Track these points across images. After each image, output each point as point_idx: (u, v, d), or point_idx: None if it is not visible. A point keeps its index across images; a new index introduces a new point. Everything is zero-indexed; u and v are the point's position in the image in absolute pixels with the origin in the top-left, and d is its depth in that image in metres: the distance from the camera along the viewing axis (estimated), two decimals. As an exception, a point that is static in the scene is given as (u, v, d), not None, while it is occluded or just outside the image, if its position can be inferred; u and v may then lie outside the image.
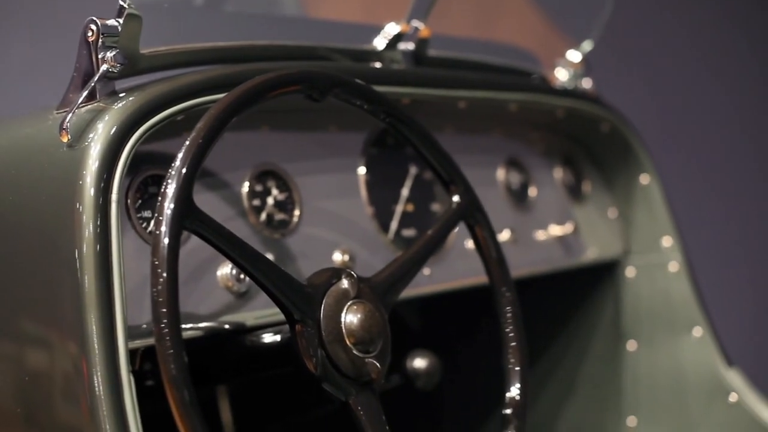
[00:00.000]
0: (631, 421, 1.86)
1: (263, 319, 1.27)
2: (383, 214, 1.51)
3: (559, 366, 1.95)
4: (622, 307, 1.88)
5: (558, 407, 1.95)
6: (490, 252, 1.33)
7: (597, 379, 1.91)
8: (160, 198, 1.02)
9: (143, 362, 1.27)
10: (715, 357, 1.76)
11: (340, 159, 1.48)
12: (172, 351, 0.97)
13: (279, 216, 1.36)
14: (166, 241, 1.00)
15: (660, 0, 3.14)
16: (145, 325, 1.15)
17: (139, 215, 1.21)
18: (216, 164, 1.31)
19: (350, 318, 1.15)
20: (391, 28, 1.55)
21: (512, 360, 1.29)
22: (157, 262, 0.99)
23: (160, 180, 1.22)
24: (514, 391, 1.27)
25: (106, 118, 1.12)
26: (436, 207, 1.59)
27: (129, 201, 1.20)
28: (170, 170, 1.04)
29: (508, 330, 1.30)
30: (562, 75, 1.85)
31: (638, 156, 1.83)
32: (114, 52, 1.15)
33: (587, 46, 1.84)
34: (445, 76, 1.58)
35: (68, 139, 1.11)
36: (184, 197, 1.03)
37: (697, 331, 1.79)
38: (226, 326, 1.25)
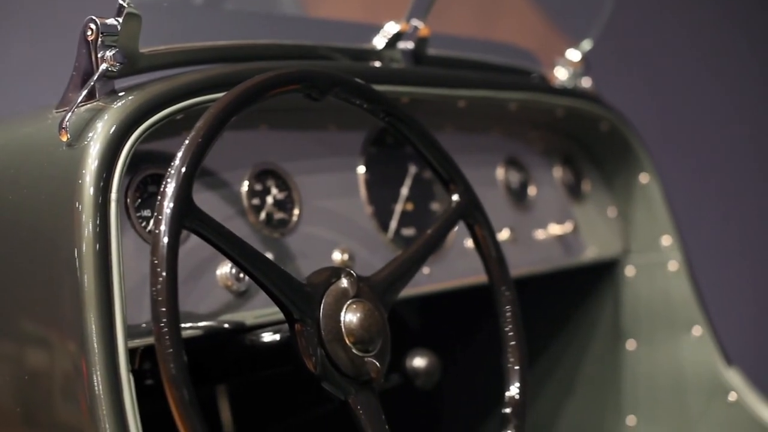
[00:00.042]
0: (631, 420, 1.86)
1: (263, 318, 1.27)
2: (383, 213, 1.51)
3: (559, 365, 1.95)
4: (621, 306, 1.88)
5: (557, 406, 1.95)
6: (489, 251, 1.33)
7: (596, 379, 1.91)
8: (159, 197, 1.02)
9: (143, 361, 1.27)
10: (714, 356, 1.76)
11: (339, 158, 1.48)
12: (171, 350, 0.97)
13: (278, 215, 1.36)
14: (165, 240, 1.00)
15: (660, 0, 3.14)
16: (144, 325, 1.15)
17: (138, 214, 1.21)
18: (215, 163, 1.31)
19: (350, 317, 1.15)
20: (391, 27, 1.55)
21: (512, 359, 1.29)
22: (156, 261, 0.99)
23: (159, 179, 1.22)
24: (513, 390, 1.27)
25: (106, 117, 1.12)
26: (435, 206, 1.59)
27: (128, 200, 1.20)
28: (170, 169, 1.04)
29: (507, 329, 1.31)
30: (561, 74, 1.85)
31: (638, 155, 1.83)
32: (113, 51, 1.15)
33: (587, 45, 1.84)
34: (445, 75, 1.58)
35: (67, 138, 1.11)
36: (183, 196, 1.03)
37: (697, 331, 1.79)
38: (226, 325, 1.25)
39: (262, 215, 1.35)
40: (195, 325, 1.22)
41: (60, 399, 1.10)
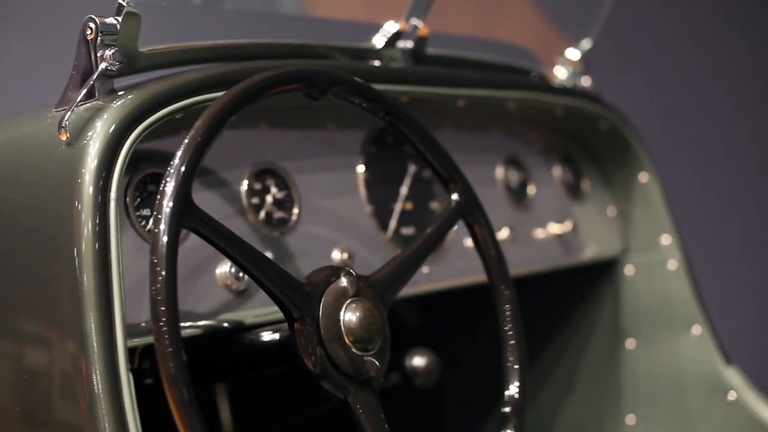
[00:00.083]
0: (630, 419, 1.86)
1: (262, 317, 1.27)
2: (382, 212, 1.51)
3: (558, 364, 1.95)
4: (621, 305, 1.88)
5: (557, 405, 1.95)
6: (489, 250, 1.33)
7: (596, 378, 1.91)
8: (159, 196, 1.02)
9: (142, 360, 1.27)
10: (714, 355, 1.76)
11: (339, 157, 1.48)
12: (170, 349, 0.97)
13: (278, 214, 1.36)
14: (165, 239, 1.00)
15: (660, 0, 3.14)
16: (143, 324, 1.15)
17: (138, 213, 1.21)
18: (215, 162, 1.31)
19: (349, 316, 1.15)
20: (390, 27, 1.55)
21: (511, 358, 1.29)
22: (155, 261, 0.99)
23: (159, 178, 1.22)
24: (513, 390, 1.27)
25: (105, 116, 1.12)
26: (435, 205, 1.59)
27: (128, 199, 1.20)
28: (169, 168, 1.04)
29: (507, 328, 1.31)
30: (561, 73, 1.85)
31: (637, 154, 1.83)
32: (113, 51, 1.15)
33: (586, 44, 1.84)
34: (444, 74, 1.57)
35: (67, 138, 1.11)
36: (183, 195, 1.03)
37: (696, 330, 1.79)
38: (225, 324, 1.25)
39: (262, 214, 1.35)
40: (194, 324, 1.22)
41: (59, 398, 1.10)
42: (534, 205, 1.77)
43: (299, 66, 1.22)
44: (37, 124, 1.19)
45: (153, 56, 1.23)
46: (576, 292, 1.93)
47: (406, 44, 1.56)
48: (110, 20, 1.15)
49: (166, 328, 0.98)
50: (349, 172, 1.49)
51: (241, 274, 1.25)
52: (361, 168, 1.50)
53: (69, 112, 1.12)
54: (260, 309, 1.27)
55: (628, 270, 1.88)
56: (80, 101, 1.14)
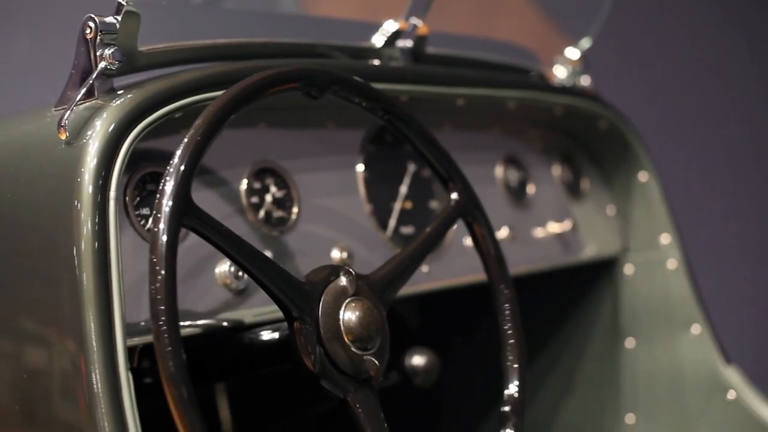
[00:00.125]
0: (630, 418, 1.86)
1: (261, 316, 1.27)
2: (382, 211, 1.51)
3: (558, 363, 1.95)
4: (620, 304, 1.88)
5: (556, 405, 1.95)
6: (488, 249, 1.33)
7: (595, 377, 1.91)
8: (158, 195, 1.03)
9: (141, 360, 1.27)
10: (713, 354, 1.76)
11: (338, 156, 1.48)
12: (170, 348, 0.97)
13: (277, 213, 1.36)
14: (164, 238, 1.00)
15: (660, 0, 3.14)
16: (143, 323, 1.15)
17: (137, 212, 1.21)
18: (214, 161, 1.31)
19: (348, 315, 1.15)
20: (390, 26, 1.55)
21: (510, 357, 1.29)
22: (155, 260, 0.99)
23: (158, 177, 1.22)
24: (512, 389, 1.27)
25: (105, 115, 1.12)
26: (434, 204, 1.59)
27: (127, 198, 1.20)
28: (168, 167, 1.04)
29: (506, 327, 1.31)
30: (560, 72, 1.85)
31: (637, 153, 1.83)
32: (112, 50, 1.15)
33: (585, 43, 1.84)
34: (444, 73, 1.57)
35: (66, 137, 1.11)
36: (182, 194, 1.03)
37: (696, 329, 1.79)
38: (225, 324, 1.25)
39: (261, 213, 1.35)
40: (194, 323, 1.22)
41: (59, 397, 1.10)
42: (533, 204, 1.77)
43: (299, 65, 1.22)
44: (37, 124, 1.19)
45: (152, 55, 1.23)
46: (575, 292, 1.93)
47: (406, 43, 1.56)
48: (110, 19, 1.15)
49: (165, 327, 0.98)
50: (348, 171, 1.49)
51: (240, 273, 1.25)
52: (360, 167, 1.50)
53: (68, 112, 1.12)
54: (260, 308, 1.27)
55: (628, 269, 1.88)
56: (80, 100, 1.14)
